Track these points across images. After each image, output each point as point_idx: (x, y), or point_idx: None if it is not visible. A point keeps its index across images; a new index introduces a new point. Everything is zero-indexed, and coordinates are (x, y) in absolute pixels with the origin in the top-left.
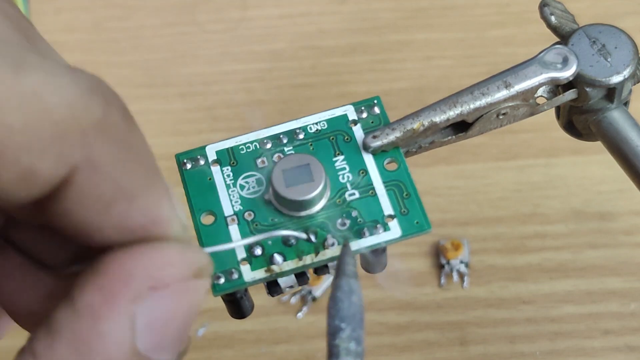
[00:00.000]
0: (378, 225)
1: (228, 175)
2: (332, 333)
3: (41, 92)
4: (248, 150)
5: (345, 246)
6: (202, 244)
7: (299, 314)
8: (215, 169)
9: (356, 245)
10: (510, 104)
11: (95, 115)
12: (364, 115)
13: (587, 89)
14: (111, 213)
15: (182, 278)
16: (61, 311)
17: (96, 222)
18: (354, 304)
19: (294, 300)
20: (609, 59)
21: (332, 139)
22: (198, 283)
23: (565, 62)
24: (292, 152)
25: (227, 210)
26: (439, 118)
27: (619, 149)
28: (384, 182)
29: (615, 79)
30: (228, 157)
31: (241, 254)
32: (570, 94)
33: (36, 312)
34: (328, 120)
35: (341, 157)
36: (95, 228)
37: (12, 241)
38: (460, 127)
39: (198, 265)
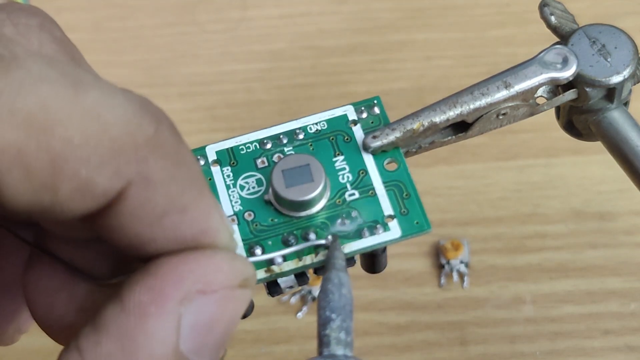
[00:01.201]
0: (378, 226)
1: (228, 176)
2: (323, 323)
3: (99, 109)
4: (248, 150)
5: (334, 241)
6: None
7: (299, 314)
8: (215, 169)
9: (356, 245)
10: (510, 104)
11: (148, 132)
12: (364, 115)
13: (587, 89)
14: (163, 225)
15: (230, 285)
16: (109, 309)
17: (149, 234)
18: (343, 296)
19: (293, 300)
20: (608, 59)
21: (332, 139)
22: (243, 292)
23: (565, 62)
24: (292, 152)
25: (227, 210)
26: (439, 118)
27: (619, 149)
28: (383, 183)
29: (615, 79)
30: (228, 157)
31: (241, 254)
32: (570, 94)
33: (68, 324)
34: (328, 121)
35: (341, 157)
36: (147, 240)
37: (50, 251)
38: (460, 127)
39: (245, 276)
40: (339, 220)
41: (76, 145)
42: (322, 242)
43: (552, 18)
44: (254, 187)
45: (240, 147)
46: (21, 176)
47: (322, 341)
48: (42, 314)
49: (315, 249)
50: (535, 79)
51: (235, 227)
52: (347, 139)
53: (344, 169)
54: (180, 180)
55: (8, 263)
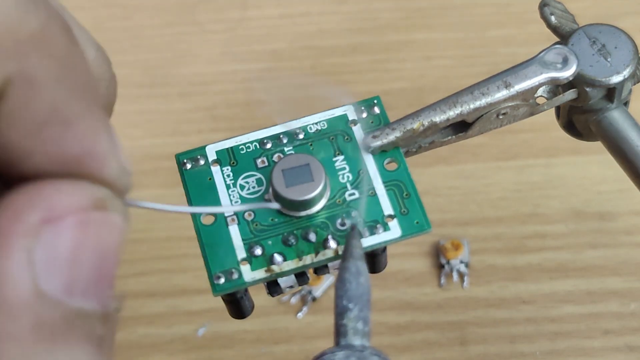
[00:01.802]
0: (378, 225)
1: (228, 175)
2: (340, 313)
3: None
4: (248, 150)
5: (352, 229)
6: (203, 244)
7: (299, 314)
8: (215, 169)
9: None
10: (510, 104)
11: (32, 26)
12: (364, 115)
13: (587, 89)
14: (43, 137)
15: (78, 208)
16: None
17: (26, 145)
18: (361, 285)
19: (294, 300)
20: (609, 59)
21: (332, 138)
22: (103, 215)
23: (565, 62)
24: (292, 152)
25: (228, 210)
26: (439, 118)
27: (619, 149)
28: (384, 182)
29: (615, 78)
30: (228, 157)
31: (241, 254)
32: (570, 94)
33: None
34: (328, 120)
35: (341, 157)
36: (24, 152)
37: None
38: (460, 127)
39: (97, 196)
40: (339, 220)
41: None
42: (344, 227)
43: (552, 18)
44: (254, 187)
45: (240, 147)
46: None
47: (339, 331)
48: None
49: (316, 248)
50: (536, 79)
51: (236, 227)
52: (347, 138)
53: (344, 168)
54: (67, 86)
55: None
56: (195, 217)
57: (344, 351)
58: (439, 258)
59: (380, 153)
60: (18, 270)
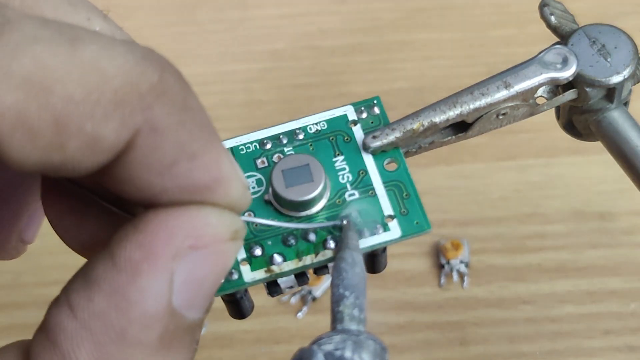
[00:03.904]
0: (378, 226)
1: None
2: (337, 300)
3: (98, 61)
4: (248, 150)
5: (348, 222)
6: None
7: (299, 314)
8: None
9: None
10: (510, 104)
11: (152, 80)
12: (364, 115)
13: (587, 89)
14: (174, 174)
15: (221, 239)
16: (100, 264)
17: (160, 183)
18: (357, 274)
19: (294, 300)
20: (608, 59)
21: (332, 139)
22: (234, 245)
23: (565, 62)
24: (292, 152)
25: None
26: (439, 118)
27: (618, 149)
28: (383, 183)
29: (615, 79)
30: None
31: (241, 254)
32: (570, 94)
33: (92, 242)
34: (328, 121)
35: (341, 158)
36: (159, 190)
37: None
38: (460, 127)
39: (235, 228)
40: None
41: (78, 101)
42: (338, 223)
43: (552, 18)
44: (253, 187)
45: (240, 147)
46: (25, 138)
47: (336, 317)
48: (63, 230)
49: (316, 249)
50: (535, 79)
51: None
52: (347, 139)
53: (343, 169)
54: (188, 126)
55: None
56: None
57: (341, 335)
58: (439, 258)
59: (380, 153)
60: (159, 287)
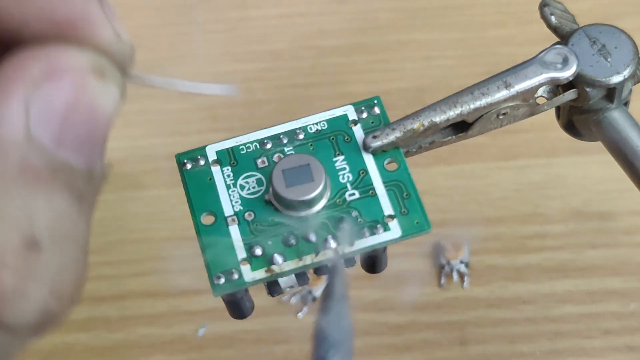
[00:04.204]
0: (378, 226)
1: (228, 176)
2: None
3: None
4: (248, 150)
5: (335, 267)
6: (203, 244)
7: (299, 314)
8: (216, 169)
9: (356, 245)
10: (510, 104)
11: None
12: (364, 115)
13: (587, 89)
14: (35, 3)
15: (78, 69)
16: None
17: (19, 13)
18: (342, 328)
19: (294, 300)
20: (609, 59)
21: (332, 139)
22: (101, 84)
23: (565, 62)
24: (292, 152)
25: (228, 210)
26: (439, 118)
27: (619, 149)
28: (384, 182)
29: (615, 79)
30: (228, 157)
31: (241, 254)
32: (570, 94)
33: None
34: (328, 121)
35: (341, 157)
36: (19, 22)
37: None
38: (461, 127)
39: (99, 64)
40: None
41: None
42: (325, 258)
43: (552, 18)
44: (254, 187)
45: (240, 147)
46: None
47: None
48: None
49: (316, 249)
50: (536, 79)
51: (236, 227)
52: (347, 138)
53: (344, 168)
54: None
55: None
56: (195, 217)
57: None
58: (439, 258)
59: (381, 153)
60: (13, 113)
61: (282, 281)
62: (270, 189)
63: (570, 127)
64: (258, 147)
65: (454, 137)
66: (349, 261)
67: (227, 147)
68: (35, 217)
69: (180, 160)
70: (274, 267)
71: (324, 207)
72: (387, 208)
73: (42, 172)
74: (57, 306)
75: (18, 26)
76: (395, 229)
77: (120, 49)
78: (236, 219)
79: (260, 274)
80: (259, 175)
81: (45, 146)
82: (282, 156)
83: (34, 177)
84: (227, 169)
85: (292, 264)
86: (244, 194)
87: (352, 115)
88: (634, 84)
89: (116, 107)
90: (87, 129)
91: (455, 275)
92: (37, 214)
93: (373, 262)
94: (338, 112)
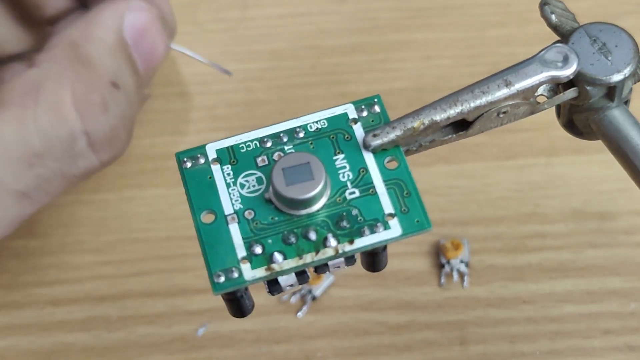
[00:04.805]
0: (378, 224)
1: (228, 174)
2: None
3: None
4: (248, 148)
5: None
6: (203, 242)
7: (299, 314)
8: (216, 168)
9: (357, 243)
10: (510, 103)
11: None
12: (364, 114)
13: (588, 88)
14: None
15: (152, 11)
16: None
17: None
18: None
19: (294, 299)
20: (609, 58)
21: (333, 137)
22: (161, 29)
23: (565, 60)
24: (293, 150)
25: (227, 209)
26: (440, 116)
27: (619, 148)
28: (384, 181)
29: (616, 77)
30: (228, 156)
31: (241, 253)
32: (571, 93)
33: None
34: (328, 119)
35: (341, 156)
36: None
37: None
38: (461, 125)
39: (164, 15)
40: (339, 219)
41: None
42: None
43: (553, 17)
44: (254, 186)
45: (240, 146)
46: None
47: None
48: None
49: (316, 247)
50: (536, 77)
51: (236, 226)
52: (347, 137)
53: (344, 167)
54: None
55: None
56: (195, 215)
57: None
58: (439, 257)
59: (381, 152)
60: (115, 17)
61: (282, 280)
62: (270, 188)
63: (571, 125)
64: (258, 145)
65: (454, 135)
66: (350, 259)
67: (227, 145)
68: (118, 72)
69: (180, 158)
70: (274, 265)
71: (324, 206)
72: (388, 206)
73: (125, 53)
74: (121, 127)
75: None
76: (395, 228)
77: (171, 18)
78: (236, 218)
79: (260, 272)
80: (259, 174)
81: (128, 42)
82: (282, 154)
83: (121, 51)
84: (227, 168)
85: (292, 263)
86: (244, 192)
87: (353, 114)
88: (635, 83)
89: (164, 55)
90: (149, 52)
91: (455, 275)
92: (120, 70)
93: (373, 260)
94: (338, 110)
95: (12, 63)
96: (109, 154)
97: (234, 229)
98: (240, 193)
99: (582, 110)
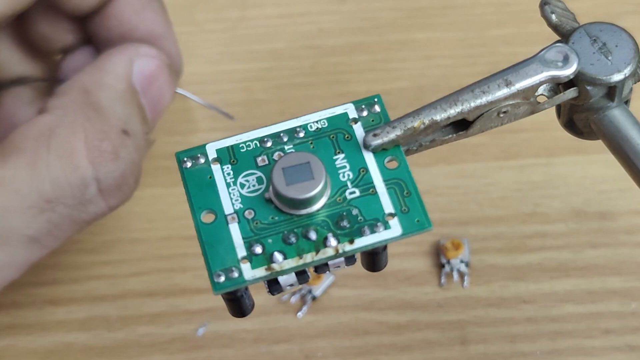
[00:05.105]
0: (379, 224)
1: (228, 174)
2: None
3: None
4: (248, 148)
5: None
6: (203, 242)
7: (299, 314)
8: (216, 168)
9: (357, 243)
10: (510, 102)
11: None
12: (365, 113)
13: (588, 88)
14: (142, 16)
15: (162, 60)
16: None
17: (133, 21)
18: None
19: (294, 299)
20: (609, 57)
21: (333, 137)
22: (169, 77)
23: (565, 60)
24: (293, 150)
25: (228, 208)
26: (440, 116)
27: (619, 148)
28: (384, 181)
29: (616, 77)
30: (228, 156)
31: (241, 253)
32: (571, 93)
33: None
34: (328, 119)
35: (341, 156)
36: (129, 27)
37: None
38: (461, 125)
39: (171, 61)
40: (339, 218)
41: None
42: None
43: (553, 16)
44: (254, 185)
45: (240, 145)
46: None
47: None
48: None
49: (316, 247)
50: (536, 77)
51: (236, 225)
52: (347, 137)
53: (344, 167)
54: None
55: None
56: (195, 215)
57: None
58: (439, 257)
59: (381, 151)
60: (125, 64)
61: (282, 279)
62: (271, 187)
63: (571, 125)
64: (258, 145)
65: (454, 135)
66: (350, 259)
67: (227, 145)
68: (128, 119)
69: (180, 158)
70: (274, 265)
71: (325, 206)
72: (388, 206)
73: (135, 100)
74: (130, 174)
75: (127, 31)
76: (395, 227)
77: (178, 61)
78: (236, 217)
79: (261, 272)
80: (259, 174)
81: (137, 89)
82: (282, 154)
83: (131, 98)
84: (227, 167)
85: (292, 262)
86: (244, 192)
87: (353, 114)
88: (635, 83)
89: (171, 101)
90: (156, 99)
91: (455, 275)
92: (130, 117)
93: (373, 260)
94: (338, 110)
95: (14, 87)
96: (117, 199)
97: (234, 229)
98: (240, 193)
99: (582, 110)
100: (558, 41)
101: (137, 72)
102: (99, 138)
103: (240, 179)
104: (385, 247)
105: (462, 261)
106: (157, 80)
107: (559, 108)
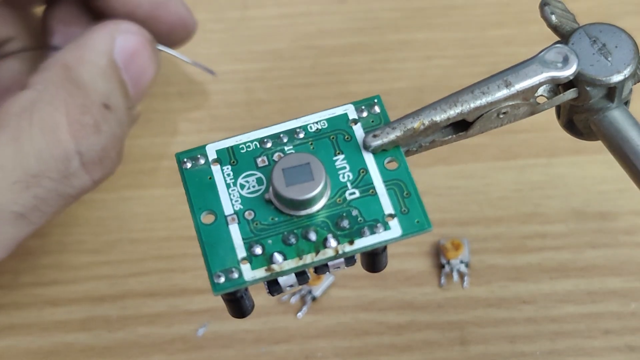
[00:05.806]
0: (378, 225)
1: (228, 175)
2: None
3: None
4: (248, 149)
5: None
6: (203, 243)
7: (299, 314)
8: (216, 168)
9: (357, 244)
10: (510, 103)
11: None
12: (364, 114)
13: (588, 88)
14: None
15: (142, 33)
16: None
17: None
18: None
19: (294, 300)
20: (609, 58)
21: (333, 138)
22: (151, 50)
23: (565, 61)
24: (293, 151)
25: (227, 209)
26: (440, 117)
27: (619, 149)
28: (384, 181)
29: (616, 78)
30: (228, 156)
31: (241, 253)
32: (571, 93)
33: None
34: (328, 120)
35: (341, 156)
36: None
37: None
38: (461, 126)
39: (183, 21)
40: (339, 219)
41: None
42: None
43: (553, 17)
44: (254, 186)
45: (240, 146)
46: None
47: None
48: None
49: (316, 247)
50: (536, 78)
51: (236, 226)
52: (347, 138)
53: (344, 167)
54: None
55: None
56: (195, 216)
57: None
58: (439, 258)
59: (381, 152)
60: (106, 41)
61: (282, 280)
62: (271, 188)
63: (571, 126)
64: (258, 146)
65: (454, 136)
66: (349, 260)
67: (227, 146)
68: (109, 94)
69: (180, 159)
70: (274, 266)
71: (324, 206)
72: (388, 207)
73: (116, 75)
74: (112, 147)
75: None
76: (395, 228)
77: (190, 20)
78: (236, 218)
79: (260, 272)
80: (259, 174)
81: (118, 65)
82: (282, 155)
83: (112, 74)
84: (227, 168)
85: (292, 263)
86: (244, 193)
87: (353, 114)
88: (635, 83)
89: (155, 76)
90: (138, 74)
91: (455, 275)
92: (111, 92)
93: (373, 261)
94: (338, 111)
95: (6, 59)
96: (100, 173)
97: (234, 230)
98: (240, 193)
99: (582, 111)
100: (558, 42)
101: (119, 48)
102: (81, 112)
103: (240, 180)
104: (385, 248)
105: (462, 261)
106: (139, 56)
107: (558, 109)
